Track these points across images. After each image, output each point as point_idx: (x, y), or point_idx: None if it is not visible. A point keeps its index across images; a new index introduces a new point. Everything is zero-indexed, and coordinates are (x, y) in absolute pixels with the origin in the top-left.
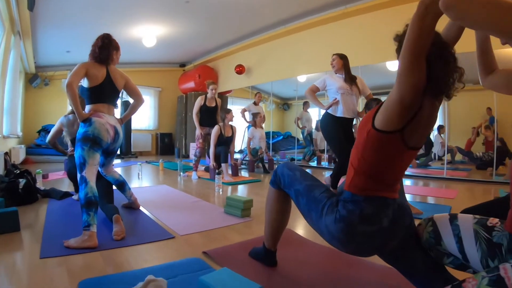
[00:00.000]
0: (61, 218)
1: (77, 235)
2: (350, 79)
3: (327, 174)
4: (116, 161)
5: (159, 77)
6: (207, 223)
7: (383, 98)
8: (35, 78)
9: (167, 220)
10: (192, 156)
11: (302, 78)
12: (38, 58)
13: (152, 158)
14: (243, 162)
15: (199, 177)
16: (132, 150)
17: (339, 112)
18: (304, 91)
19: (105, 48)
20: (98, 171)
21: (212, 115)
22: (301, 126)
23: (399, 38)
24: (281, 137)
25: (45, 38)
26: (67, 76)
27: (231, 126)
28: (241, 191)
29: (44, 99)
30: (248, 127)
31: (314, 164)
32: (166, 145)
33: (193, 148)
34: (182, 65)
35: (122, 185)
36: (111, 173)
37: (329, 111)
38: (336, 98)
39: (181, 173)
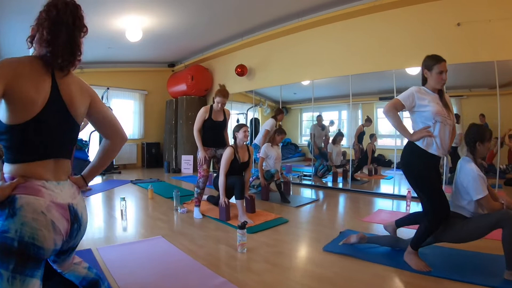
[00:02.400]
0: None
1: None
2: (446, 102)
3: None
4: (96, 181)
5: (144, 79)
6: None
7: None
8: None
9: None
10: (192, 180)
11: (305, 81)
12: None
13: (138, 173)
14: (251, 185)
15: (203, 215)
16: (114, 164)
17: (433, 148)
18: (305, 94)
19: (61, 26)
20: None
21: (219, 132)
22: (325, 147)
23: None
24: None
25: (10, 30)
26: None
27: (247, 147)
28: (268, 243)
29: None
30: (254, 145)
31: (329, 180)
32: (153, 157)
33: (186, 162)
34: (171, 65)
35: (95, 286)
36: (71, 268)
37: (418, 143)
38: (429, 126)
39: (179, 209)
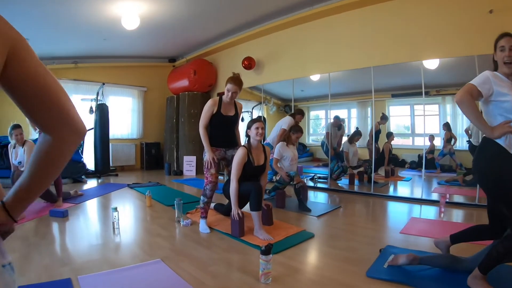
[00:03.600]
0: None
1: None
2: None
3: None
4: (90, 184)
5: (144, 75)
6: None
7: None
8: None
9: None
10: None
11: (315, 77)
12: None
13: (137, 175)
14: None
15: (211, 229)
16: (111, 165)
17: None
18: (312, 91)
19: None
20: None
21: (230, 129)
22: (338, 148)
23: None
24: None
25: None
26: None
27: (263, 148)
28: (296, 267)
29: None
30: (267, 144)
31: (344, 183)
32: (153, 157)
33: (189, 164)
34: (172, 59)
35: None
36: None
37: (500, 141)
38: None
39: (182, 221)
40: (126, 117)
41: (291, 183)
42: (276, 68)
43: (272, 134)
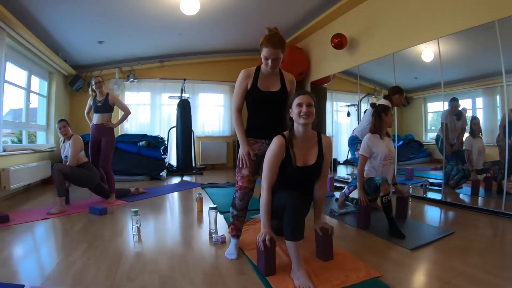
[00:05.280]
0: None
1: None
2: None
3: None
4: (168, 182)
5: (233, 69)
6: None
7: None
8: (76, 80)
9: None
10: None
11: (428, 57)
12: (66, 54)
13: (224, 174)
14: (347, 203)
15: (242, 252)
16: (200, 163)
17: None
18: (429, 77)
19: None
20: None
21: (275, 111)
22: (458, 145)
23: None
24: (401, 142)
25: (60, 24)
26: (115, 74)
27: (318, 138)
28: None
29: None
30: (352, 138)
31: (465, 193)
32: None
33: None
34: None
35: None
36: None
37: None
38: None
39: (213, 236)
40: (217, 114)
41: (380, 196)
42: (371, 43)
43: (359, 125)
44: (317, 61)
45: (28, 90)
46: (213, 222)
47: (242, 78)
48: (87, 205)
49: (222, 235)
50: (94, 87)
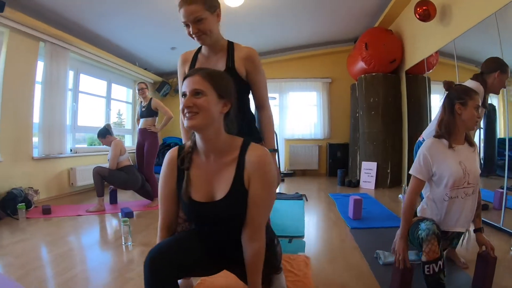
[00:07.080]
0: None
1: None
2: None
3: None
4: None
5: (325, 63)
6: None
7: None
8: (163, 86)
9: None
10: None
11: None
12: (144, 63)
13: (309, 182)
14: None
15: None
16: (289, 168)
17: None
18: None
19: None
20: None
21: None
22: None
23: None
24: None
25: (124, 29)
26: None
27: (244, 153)
28: None
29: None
30: (418, 145)
31: None
32: (338, 162)
33: (367, 173)
34: (356, 40)
35: None
36: None
37: None
38: None
39: None
40: (310, 115)
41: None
42: (467, 8)
43: (430, 124)
44: (411, 44)
45: (108, 98)
46: None
47: (179, 65)
48: (130, 206)
49: None
50: (137, 93)
